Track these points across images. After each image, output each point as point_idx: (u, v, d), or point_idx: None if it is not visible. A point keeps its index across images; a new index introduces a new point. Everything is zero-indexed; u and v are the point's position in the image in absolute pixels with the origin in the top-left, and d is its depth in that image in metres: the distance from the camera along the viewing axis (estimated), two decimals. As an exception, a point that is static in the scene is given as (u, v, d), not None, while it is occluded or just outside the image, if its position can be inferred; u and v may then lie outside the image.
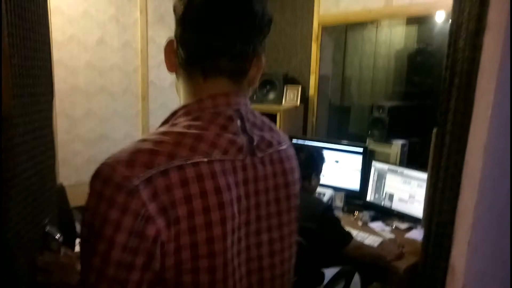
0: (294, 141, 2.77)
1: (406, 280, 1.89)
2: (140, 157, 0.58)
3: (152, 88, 2.72)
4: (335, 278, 1.80)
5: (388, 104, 2.47)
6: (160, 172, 0.58)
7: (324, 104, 3.09)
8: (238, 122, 0.68)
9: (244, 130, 0.68)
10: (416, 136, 2.60)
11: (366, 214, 2.35)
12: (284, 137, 0.80)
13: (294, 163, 0.78)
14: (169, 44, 0.70)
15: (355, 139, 2.75)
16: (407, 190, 2.25)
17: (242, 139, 0.67)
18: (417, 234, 2.16)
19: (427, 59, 3.21)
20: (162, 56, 0.72)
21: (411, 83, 3.25)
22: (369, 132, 2.52)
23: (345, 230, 1.80)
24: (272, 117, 2.76)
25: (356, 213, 2.39)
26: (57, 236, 0.97)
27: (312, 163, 1.90)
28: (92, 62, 2.37)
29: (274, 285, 0.75)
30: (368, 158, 2.47)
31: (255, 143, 0.69)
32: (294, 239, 0.78)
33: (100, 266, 0.57)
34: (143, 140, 0.62)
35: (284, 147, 0.77)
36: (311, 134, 2.99)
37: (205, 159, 0.62)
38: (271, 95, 2.90)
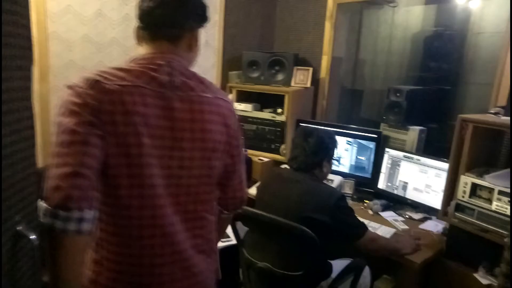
0: (303, 124, 2.62)
1: (420, 275, 1.76)
2: (89, 75, 0.89)
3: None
4: (344, 273, 1.67)
5: (406, 87, 2.29)
6: (96, 82, 0.87)
7: (335, 87, 2.92)
8: (166, 68, 0.94)
9: (169, 74, 0.93)
10: (434, 123, 2.43)
11: (377, 203, 2.21)
12: (217, 92, 1.02)
13: (220, 111, 0.99)
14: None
15: (367, 125, 2.58)
16: (423, 179, 2.10)
17: (164, 78, 0.93)
18: (432, 225, 2.02)
19: (445, 43, 3.01)
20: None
21: (428, 68, 3.06)
22: (384, 117, 2.35)
23: (359, 221, 1.66)
24: (279, 98, 2.61)
25: (367, 201, 2.25)
26: (32, 236, 0.83)
27: (323, 148, 1.74)
28: (89, 36, 2.23)
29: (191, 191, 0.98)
30: (381, 144, 2.31)
31: (176, 84, 0.93)
32: (211, 165, 0.99)
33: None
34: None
35: (208, 95, 0.98)
36: (321, 117, 2.84)
37: (130, 84, 0.89)
38: (280, 76, 2.74)
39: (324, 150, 1.74)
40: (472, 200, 1.69)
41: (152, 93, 0.90)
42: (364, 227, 1.64)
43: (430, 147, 2.31)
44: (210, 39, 2.85)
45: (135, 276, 0.93)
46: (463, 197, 1.72)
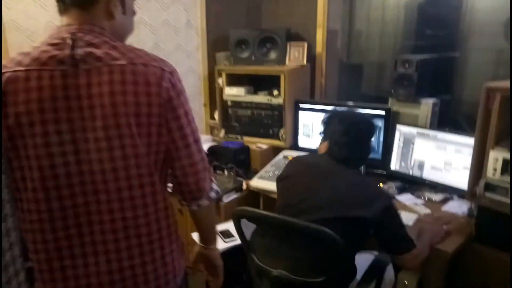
0: (303, 106, 2.40)
1: (448, 263, 1.58)
2: None
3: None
4: (368, 274, 1.47)
5: (416, 57, 2.07)
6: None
7: (333, 63, 2.69)
8: (68, 41, 0.86)
9: (72, 47, 0.85)
10: (446, 94, 2.23)
11: (392, 186, 2.02)
12: (137, 58, 0.88)
13: (137, 79, 0.86)
14: None
15: (369, 101, 2.38)
16: (442, 156, 1.91)
17: (63, 53, 0.85)
18: (456, 206, 1.84)
19: (439, 8, 2.79)
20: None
21: (424, 36, 2.85)
22: (393, 91, 2.14)
23: (408, 234, 1.38)
24: (274, 79, 2.37)
25: (380, 184, 2.06)
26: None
27: (369, 140, 1.51)
28: (55, 23, 1.96)
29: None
30: (391, 122, 2.11)
31: (77, 57, 0.85)
32: (128, 144, 0.87)
33: None
34: None
35: (121, 62, 0.86)
36: (320, 96, 2.61)
37: (23, 68, 0.84)
38: (272, 55, 2.49)
39: (369, 143, 1.52)
40: (505, 177, 1.51)
41: (50, 74, 0.83)
42: (412, 243, 1.37)
43: (444, 121, 2.12)
44: (192, 18, 2.58)
45: None
46: (493, 174, 1.54)
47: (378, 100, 2.35)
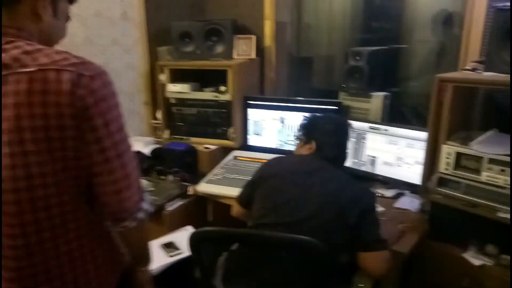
0: (252, 102, 2.27)
1: (403, 262, 1.53)
2: None
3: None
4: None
5: (366, 49, 2.01)
6: None
7: (283, 56, 2.59)
8: None
9: None
10: (394, 87, 2.20)
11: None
12: (49, 63, 0.76)
13: (47, 88, 0.75)
14: None
15: (320, 95, 2.31)
16: (394, 151, 1.87)
17: None
18: (408, 202, 1.80)
19: (384, 2, 2.80)
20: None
21: (370, 29, 2.84)
22: (344, 84, 2.07)
23: (383, 236, 1.32)
24: (221, 74, 2.22)
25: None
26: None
27: (348, 138, 1.52)
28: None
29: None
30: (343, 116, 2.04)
31: None
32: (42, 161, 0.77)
33: None
34: None
35: (30, 69, 0.75)
36: (270, 92, 2.50)
37: None
38: (219, 48, 2.33)
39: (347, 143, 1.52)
40: (458, 172, 1.48)
41: None
42: (385, 245, 1.31)
43: (394, 115, 2.09)
44: (128, 9, 2.35)
45: None
46: (446, 169, 1.51)
47: (329, 94, 2.28)
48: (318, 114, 1.59)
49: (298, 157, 1.51)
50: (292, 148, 1.75)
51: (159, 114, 2.45)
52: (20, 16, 0.80)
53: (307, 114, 1.58)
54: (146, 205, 0.90)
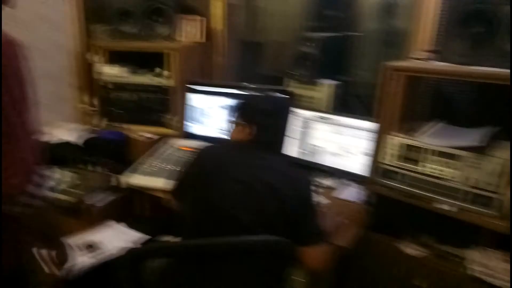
0: (195, 87, 2.11)
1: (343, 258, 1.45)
2: None
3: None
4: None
5: (319, 35, 1.91)
6: None
7: (232, 41, 2.44)
8: None
9: None
10: (343, 75, 2.12)
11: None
12: None
13: None
14: None
15: (270, 82, 2.19)
16: (339, 141, 1.79)
17: None
18: (352, 193, 1.73)
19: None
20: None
21: (323, 17, 2.76)
22: (293, 71, 1.96)
23: (322, 228, 1.25)
24: (164, 58, 2.04)
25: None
26: None
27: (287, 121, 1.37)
28: None
29: None
30: (290, 104, 1.93)
31: None
32: None
33: None
34: None
35: None
36: (217, 77, 2.35)
37: None
38: (162, 29, 2.15)
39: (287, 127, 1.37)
40: (401, 163, 1.42)
41: None
42: (324, 237, 1.24)
43: (341, 103, 2.01)
44: (58, -20, 2.11)
45: None
46: (390, 160, 1.44)
47: (278, 81, 2.17)
48: (257, 94, 1.46)
49: (236, 146, 1.34)
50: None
51: (95, 100, 2.24)
52: None
53: (244, 95, 1.44)
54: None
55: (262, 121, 1.30)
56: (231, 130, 1.36)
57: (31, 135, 0.85)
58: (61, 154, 1.86)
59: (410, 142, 1.40)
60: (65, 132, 2.05)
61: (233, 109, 1.36)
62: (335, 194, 1.73)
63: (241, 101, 1.38)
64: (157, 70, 2.07)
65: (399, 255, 1.45)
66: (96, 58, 2.15)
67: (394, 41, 2.24)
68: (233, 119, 1.35)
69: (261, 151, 1.27)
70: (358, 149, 1.72)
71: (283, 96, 1.75)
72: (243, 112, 1.34)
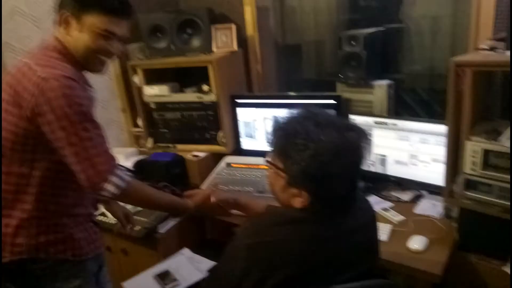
0: (240, 101, 2.03)
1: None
2: None
3: None
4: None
5: (362, 32, 1.79)
6: None
7: (268, 46, 2.34)
8: None
9: None
10: (397, 74, 1.99)
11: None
12: (32, 58, 1.10)
13: (18, 79, 1.06)
14: None
15: (315, 88, 2.08)
16: (406, 148, 1.68)
17: None
18: (429, 206, 1.61)
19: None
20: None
21: (358, 9, 2.60)
22: (341, 74, 1.85)
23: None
24: (203, 72, 1.96)
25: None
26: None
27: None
28: None
29: None
30: (344, 111, 1.83)
31: None
32: None
33: None
34: None
35: (25, 60, 1.09)
36: (259, 88, 2.26)
37: None
38: (196, 42, 2.07)
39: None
40: (487, 172, 1.30)
41: None
42: None
43: (401, 106, 1.89)
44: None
45: None
46: (473, 170, 1.33)
47: (323, 86, 2.06)
48: (296, 117, 0.91)
49: (306, 230, 0.88)
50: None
51: (139, 122, 2.19)
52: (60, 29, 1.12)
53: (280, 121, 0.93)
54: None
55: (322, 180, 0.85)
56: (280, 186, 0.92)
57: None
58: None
59: (495, 148, 1.28)
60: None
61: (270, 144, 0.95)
62: (411, 208, 1.61)
63: (277, 132, 0.93)
64: (204, 86, 1.99)
65: (502, 279, 1.29)
66: (135, 78, 2.08)
67: (444, 30, 2.09)
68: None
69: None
70: (429, 156, 1.61)
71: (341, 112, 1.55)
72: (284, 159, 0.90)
